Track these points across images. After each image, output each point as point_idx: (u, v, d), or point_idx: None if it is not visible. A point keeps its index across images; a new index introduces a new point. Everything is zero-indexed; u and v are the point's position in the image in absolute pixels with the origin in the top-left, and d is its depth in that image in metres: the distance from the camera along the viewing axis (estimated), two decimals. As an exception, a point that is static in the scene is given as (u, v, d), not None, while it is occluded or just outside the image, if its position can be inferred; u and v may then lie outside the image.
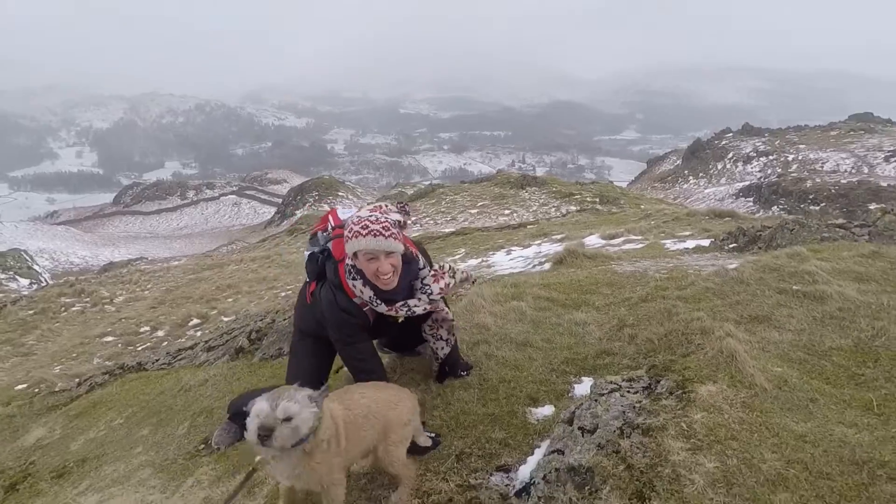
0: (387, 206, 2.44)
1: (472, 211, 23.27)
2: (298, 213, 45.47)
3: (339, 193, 52.62)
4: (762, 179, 38.66)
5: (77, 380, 6.81)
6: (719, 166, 49.56)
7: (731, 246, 5.94)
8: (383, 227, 2.26)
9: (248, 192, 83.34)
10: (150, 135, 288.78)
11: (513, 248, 11.24)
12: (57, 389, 6.50)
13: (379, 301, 2.44)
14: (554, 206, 22.40)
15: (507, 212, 22.34)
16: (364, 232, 2.24)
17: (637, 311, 3.55)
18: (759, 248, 5.43)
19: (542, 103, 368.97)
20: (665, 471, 1.93)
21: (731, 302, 3.39)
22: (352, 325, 2.47)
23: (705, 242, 6.66)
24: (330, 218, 2.64)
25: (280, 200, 62.96)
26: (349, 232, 2.29)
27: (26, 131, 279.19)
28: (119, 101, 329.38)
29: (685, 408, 2.29)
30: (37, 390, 6.71)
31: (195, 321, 9.73)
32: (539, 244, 11.23)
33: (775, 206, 31.95)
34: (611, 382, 2.70)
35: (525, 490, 2.13)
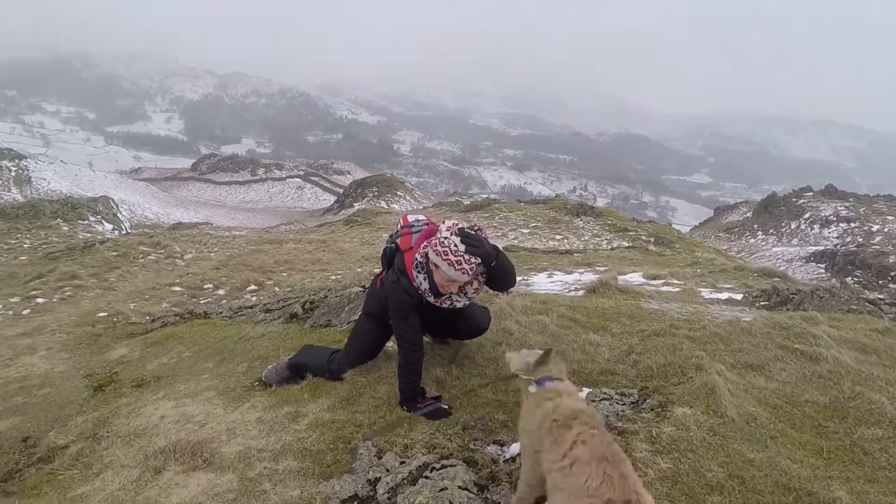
0: (455, 224, 2.94)
1: (524, 230, 23.60)
2: (356, 206, 46.99)
3: (398, 193, 53.95)
4: (839, 247, 36.62)
5: (149, 317, 7.76)
6: (793, 225, 47.28)
7: (761, 303, 6.12)
8: (471, 269, 2.86)
9: (312, 178, 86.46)
10: (234, 111, 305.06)
11: (555, 273, 11.54)
12: (132, 321, 7.46)
13: (430, 294, 3.06)
14: (606, 239, 22.40)
15: (558, 237, 22.54)
16: (457, 266, 2.82)
17: (647, 342, 3.92)
18: (788, 309, 5.60)
19: (613, 133, 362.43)
20: (626, 462, 2.37)
21: (734, 348, 3.72)
22: (408, 303, 3.07)
23: (738, 296, 6.83)
24: (401, 221, 3.34)
25: (341, 191, 65.21)
26: (445, 254, 2.82)
27: (127, 93, 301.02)
28: (211, 76, 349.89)
29: (659, 422, 2.71)
30: (115, 320, 7.70)
31: (252, 287, 10.67)
32: (581, 272, 11.49)
33: (850, 278, 30.25)
34: (604, 393, 3.15)
35: (512, 459, 2.62)
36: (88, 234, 19.18)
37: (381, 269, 3.50)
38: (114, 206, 25.73)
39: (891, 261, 30.37)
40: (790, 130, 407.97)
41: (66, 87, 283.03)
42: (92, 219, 21.53)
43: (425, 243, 3.04)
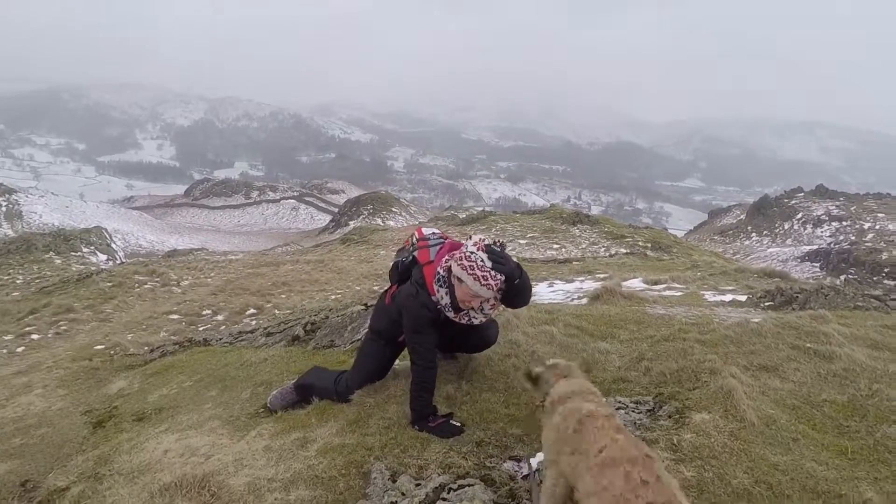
0: (482, 239, 2.92)
1: (522, 241, 23.60)
2: (352, 224, 47.00)
3: (394, 209, 54.04)
4: (832, 245, 36.77)
5: (147, 347, 7.65)
6: (786, 226, 47.53)
7: (766, 304, 6.09)
8: (496, 285, 2.83)
9: (307, 199, 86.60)
10: (225, 135, 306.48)
11: (556, 282, 11.51)
12: (130, 353, 7.34)
13: (450, 309, 3.01)
14: (604, 247, 22.42)
15: (555, 246, 22.55)
16: (483, 282, 2.79)
17: (657, 347, 3.87)
18: (793, 308, 5.56)
19: (605, 142, 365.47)
20: (649, 473, 2.30)
21: (745, 350, 3.66)
22: (426, 318, 3.01)
23: (742, 298, 6.80)
24: (416, 233, 3.29)
25: (336, 210, 65.24)
26: (471, 269, 2.79)
27: (117, 122, 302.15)
28: (201, 101, 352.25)
29: (678, 429, 2.65)
30: (112, 352, 7.58)
31: (251, 311, 10.56)
32: (582, 280, 11.46)
33: (844, 276, 30.33)
34: (619, 402, 3.08)
35: (531, 475, 2.54)
36: (82, 266, 19.04)
37: (388, 286, 3.43)
38: (107, 237, 25.60)
39: (884, 257, 30.50)
40: (778, 133, 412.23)
41: (55, 118, 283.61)
42: (85, 250, 21.40)
43: (447, 257, 3.00)
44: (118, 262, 22.25)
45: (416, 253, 3.17)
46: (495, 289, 2.85)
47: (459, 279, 2.86)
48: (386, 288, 3.47)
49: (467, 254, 2.84)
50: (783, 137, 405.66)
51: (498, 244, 2.91)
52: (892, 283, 27.30)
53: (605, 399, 3.10)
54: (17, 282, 16.05)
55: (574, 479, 1.97)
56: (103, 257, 21.69)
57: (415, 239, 3.27)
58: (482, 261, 2.79)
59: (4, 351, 8.98)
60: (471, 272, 2.80)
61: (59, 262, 19.31)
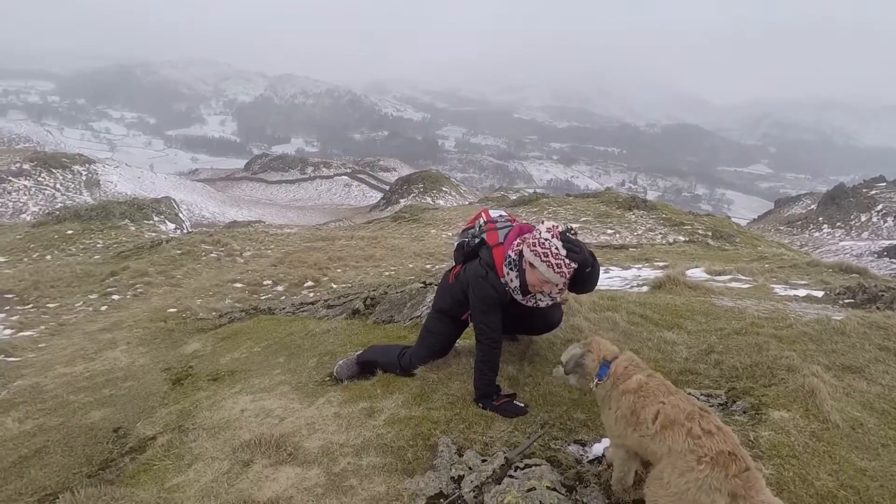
0: (555, 226, 2.90)
1: (574, 225, 23.13)
2: (402, 202, 47.47)
3: (444, 189, 54.08)
4: (915, 241, 34.04)
5: (215, 312, 8.08)
6: (863, 218, 44.23)
7: (846, 301, 5.72)
8: (569, 272, 2.82)
9: (359, 176, 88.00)
10: (283, 112, 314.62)
11: (612, 268, 11.25)
12: (200, 317, 7.79)
13: (518, 292, 3.02)
14: (661, 234, 21.65)
15: (609, 231, 21.98)
16: (556, 269, 2.78)
17: (728, 341, 3.73)
18: (878, 307, 5.21)
19: (664, 124, 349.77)
20: (724, 467, 2.25)
21: (827, 349, 3.48)
22: (494, 298, 3.04)
23: (818, 293, 6.42)
24: (483, 215, 3.30)
25: (387, 187, 66.01)
26: (545, 255, 2.78)
27: (184, 97, 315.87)
28: (261, 78, 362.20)
29: (754, 425, 2.56)
30: (185, 316, 8.06)
31: (309, 283, 10.92)
32: (640, 268, 11.15)
33: (927, 274, 28.06)
34: (689, 394, 3.00)
35: (597, 460, 2.54)
36: (154, 234, 20.23)
37: (452, 265, 3.47)
38: (175, 206, 27.02)
39: (976, 255, 27.97)
40: (859, 117, 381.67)
41: (129, 94, 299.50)
42: (156, 218, 22.68)
43: (518, 240, 3.00)
44: (185, 231, 23.49)
45: (484, 235, 3.18)
46: (567, 276, 2.83)
47: (532, 264, 2.85)
48: (450, 267, 3.51)
49: (541, 240, 2.81)
50: (864, 122, 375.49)
51: (572, 231, 2.88)
52: (983, 284, 25.00)
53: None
54: (98, 246, 17.25)
55: (644, 452, 2.05)
56: (172, 226, 22.93)
57: (482, 221, 3.28)
58: (556, 248, 2.77)
59: (91, 309, 9.73)
60: (545, 259, 2.78)
61: (133, 228, 20.58)
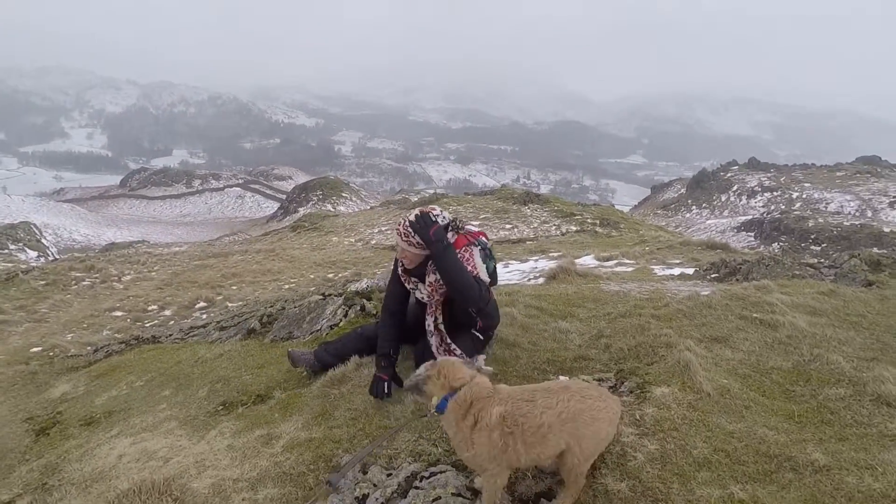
0: (437, 209, 3.18)
1: (475, 223, 23.72)
2: (301, 211, 45.87)
3: (344, 194, 53.07)
4: (765, 215, 38.98)
5: (90, 347, 7.22)
6: (723, 198, 50.07)
7: (712, 276, 6.39)
8: (403, 231, 3.10)
9: (252, 186, 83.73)
10: (161, 122, 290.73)
11: (510, 262, 11.68)
12: (72, 354, 6.91)
13: (404, 272, 3.30)
14: (555, 225, 22.88)
15: (508, 226, 22.83)
16: (399, 229, 3.13)
17: (615, 324, 3.98)
18: (737, 279, 5.87)
19: (551, 121, 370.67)
20: (615, 448, 2.38)
21: (698, 323, 3.83)
22: (394, 273, 3.38)
23: (690, 271, 7.11)
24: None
25: (284, 197, 63.46)
26: (401, 223, 3.13)
27: (39, 109, 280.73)
28: (133, 86, 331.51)
29: (640, 403, 2.74)
30: (52, 354, 7.11)
31: (202, 304, 10.15)
32: (536, 260, 11.68)
33: (776, 243, 32.25)
34: (583, 380, 3.14)
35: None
36: (10, 265, 17.66)
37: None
38: (36, 232, 23.85)
39: (810, 225, 32.71)
40: (712, 109, 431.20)
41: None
42: (12, 247, 19.86)
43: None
44: (51, 258, 20.81)
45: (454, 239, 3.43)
46: (402, 236, 3.08)
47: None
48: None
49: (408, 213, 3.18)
50: (717, 114, 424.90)
51: (459, 224, 3.20)
52: (818, 248, 29.35)
53: (566, 378, 3.19)
54: (-66, 285, 14.73)
55: (518, 462, 2.14)
56: (33, 254, 20.22)
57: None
58: (406, 218, 3.10)
59: (-75, 361, 8.25)
60: (396, 227, 3.19)
61: (-19, 261, 17.85)
